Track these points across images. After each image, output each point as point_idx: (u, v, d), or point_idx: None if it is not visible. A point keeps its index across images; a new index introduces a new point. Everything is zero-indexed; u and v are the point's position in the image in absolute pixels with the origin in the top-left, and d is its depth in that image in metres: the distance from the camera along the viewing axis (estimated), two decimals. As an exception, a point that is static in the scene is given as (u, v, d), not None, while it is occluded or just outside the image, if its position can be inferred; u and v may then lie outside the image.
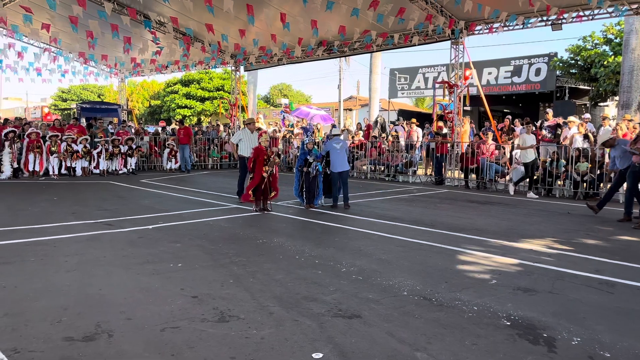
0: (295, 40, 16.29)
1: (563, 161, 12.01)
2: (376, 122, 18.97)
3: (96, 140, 15.75)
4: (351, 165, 16.38)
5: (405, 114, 24.52)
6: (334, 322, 3.74)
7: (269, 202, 8.97)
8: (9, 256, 5.44)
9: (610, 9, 12.27)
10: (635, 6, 11.98)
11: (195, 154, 18.93)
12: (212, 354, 3.19)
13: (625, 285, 4.87)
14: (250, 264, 5.36)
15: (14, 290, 4.35)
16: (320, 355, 3.19)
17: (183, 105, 38.29)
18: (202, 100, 38.52)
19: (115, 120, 21.82)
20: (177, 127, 18.65)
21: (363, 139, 17.03)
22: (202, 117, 38.67)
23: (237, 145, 10.42)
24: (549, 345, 3.43)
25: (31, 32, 17.87)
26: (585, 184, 11.48)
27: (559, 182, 12.10)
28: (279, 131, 19.98)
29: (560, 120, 13.73)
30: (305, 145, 9.43)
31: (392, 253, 5.99)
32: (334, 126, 18.52)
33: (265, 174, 8.71)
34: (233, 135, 12.55)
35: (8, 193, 10.92)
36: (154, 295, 4.28)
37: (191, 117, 37.98)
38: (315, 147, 9.39)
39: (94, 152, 15.29)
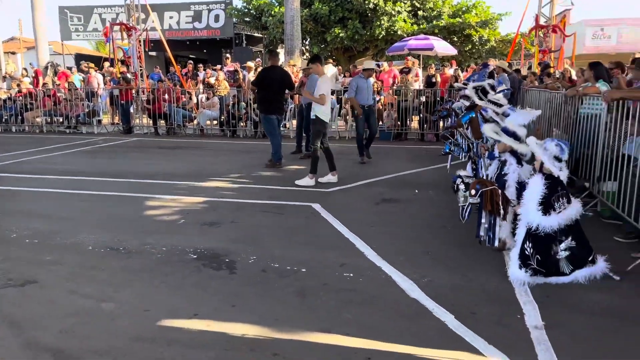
0: None
1: (243, 104, 12.97)
2: (47, 67, 16.66)
3: None
4: (21, 118, 14.14)
5: (85, 59, 22.16)
6: (3, 294, 3.29)
7: None
8: None
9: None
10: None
11: None
12: None
13: (292, 205, 5.74)
14: None
15: None
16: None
17: None
18: None
19: None
20: None
21: (31, 87, 14.79)
22: None
23: None
24: (230, 268, 3.81)
25: None
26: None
27: (241, 124, 13.10)
28: None
29: (238, 66, 14.70)
30: None
31: (75, 210, 5.55)
32: None
33: None
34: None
35: None
36: None
37: None
38: None
39: None
